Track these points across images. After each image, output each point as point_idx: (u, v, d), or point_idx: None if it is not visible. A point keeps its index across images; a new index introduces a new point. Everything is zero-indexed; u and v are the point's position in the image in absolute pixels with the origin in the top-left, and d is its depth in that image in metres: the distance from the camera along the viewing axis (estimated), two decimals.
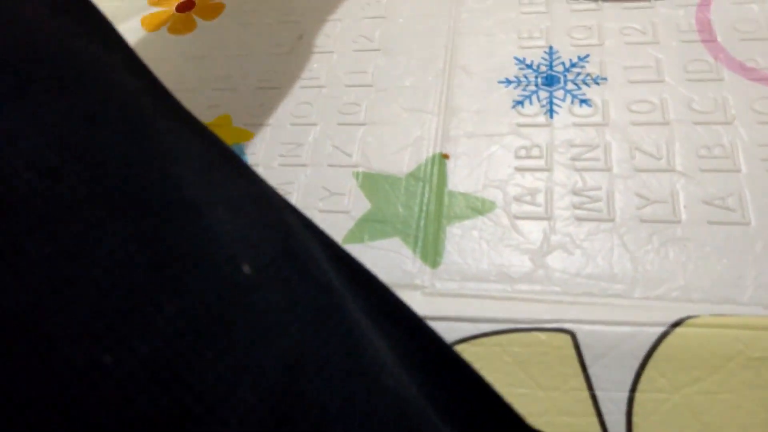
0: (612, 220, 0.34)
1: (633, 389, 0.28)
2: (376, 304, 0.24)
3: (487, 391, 0.25)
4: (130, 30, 0.52)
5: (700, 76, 0.39)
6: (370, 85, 0.43)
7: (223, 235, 0.17)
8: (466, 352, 0.31)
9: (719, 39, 0.40)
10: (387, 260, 0.35)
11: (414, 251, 0.35)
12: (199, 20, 0.51)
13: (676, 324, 0.29)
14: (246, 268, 0.17)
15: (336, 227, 0.37)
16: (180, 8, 0.53)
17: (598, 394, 0.29)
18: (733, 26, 0.41)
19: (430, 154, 0.39)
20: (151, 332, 0.15)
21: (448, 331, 0.31)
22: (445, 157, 0.39)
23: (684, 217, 0.34)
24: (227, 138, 0.43)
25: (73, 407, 0.14)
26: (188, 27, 0.51)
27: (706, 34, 0.41)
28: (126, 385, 0.14)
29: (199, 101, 0.46)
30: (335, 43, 0.47)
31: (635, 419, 0.28)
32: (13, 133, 0.15)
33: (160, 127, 0.18)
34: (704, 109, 0.37)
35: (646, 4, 0.43)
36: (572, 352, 0.30)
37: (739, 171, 0.34)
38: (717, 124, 0.36)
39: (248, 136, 0.43)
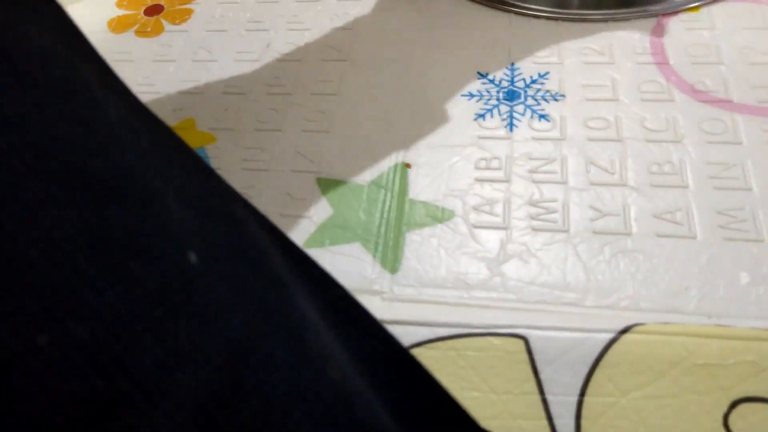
0: (567, 231, 0.35)
1: (582, 393, 0.29)
2: (330, 303, 0.24)
3: (440, 392, 0.25)
4: (97, 32, 0.52)
5: (653, 97, 0.40)
6: (335, 94, 0.44)
7: (172, 224, 0.17)
8: (421, 355, 0.31)
9: (671, 62, 0.42)
10: (347, 265, 0.36)
11: (374, 257, 0.36)
12: (167, 24, 0.51)
13: (624, 331, 0.30)
14: (192, 257, 0.17)
15: (298, 232, 0.37)
16: (148, 12, 0.53)
17: (549, 398, 0.29)
18: (685, 50, 0.43)
19: (393, 163, 0.39)
20: (88, 315, 0.14)
21: (405, 335, 0.32)
22: (408, 166, 0.39)
23: (635, 229, 0.35)
24: (191, 141, 0.43)
25: (4, 387, 0.14)
26: (156, 30, 0.51)
27: (660, 57, 0.42)
28: (60, 366, 0.14)
29: (164, 104, 0.45)
30: (303, 52, 0.47)
31: (584, 423, 0.28)
32: None
33: (111, 116, 0.18)
34: (656, 127, 0.39)
35: (604, 26, 0.45)
36: (525, 356, 0.30)
37: (687, 187, 0.36)
38: (667, 143, 0.38)
39: (211, 139, 0.43)
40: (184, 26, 0.51)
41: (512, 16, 0.48)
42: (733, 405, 0.28)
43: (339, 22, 0.49)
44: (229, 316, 0.17)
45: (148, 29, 0.51)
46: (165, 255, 0.16)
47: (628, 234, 0.35)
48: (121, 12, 0.53)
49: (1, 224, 0.14)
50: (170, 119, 0.44)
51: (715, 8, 0.45)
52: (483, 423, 0.29)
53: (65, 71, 0.18)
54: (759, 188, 0.35)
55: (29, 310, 0.14)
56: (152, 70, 0.48)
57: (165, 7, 0.53)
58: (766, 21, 0.43)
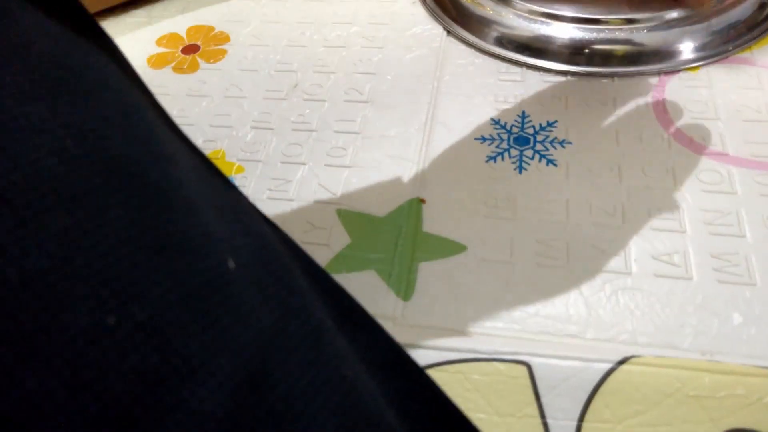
0: (569, 267, 0.37)
1: (581, 419, 0.31)
2: (342, 313, 0.26)
3: (447, 403, 0.27)
4: (137, 66, 0.55)
5: (653, 147, 0.43)
6: (358, 133, 0.47)
7: (213, 233, 0.20)
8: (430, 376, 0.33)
9: (671, 116, 0.45)
10: (362, 291, 0.38)
11: (388, 284, 0.38)
12: (202, 62, 0.55)
13: (622, 362, 0.32)
14: (231, 263, 0.19)
15: (317, 258, 0.39)
16: (185, 51, 0.56)
17: (549, 422, 0.31)
18: (684, 106, 0.46)
19: (409, 198, 0.42)
20: (148, 302, 0.17)
21: (415, 357, 0.34)
22: (422, 201, 0.42)
23: (634, 269, 0.37)
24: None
25: (77, 359, 0.16)
26: (192, 68, 0.54)
27: (660, 110, 0.45)
28: (124, 343, 0.16)
29: (197, 135, 0.49)
30: (327, 92, 0.51)
31: None
32: (40, 125, 0.17)
33: (162, 136, 0.21)
34: (655, 175, 0.41)
35: (610, 82, 0.48)
36: (528, 382, 0.32)
37: (684, 232, 0.38)
38: (666, 190, 0.40)
39: (240, 170, 0.46)
40: (218, 65, 0.55)
41: (525, 69, 0.51)
42: None
43: (362, 68, 0.53)
44: (259, 314, 0.20)
45: (185, 66, 0.55)
46: (209, 258, 0.19)
47: (628, 273, 0.37)
48: (160, 50, 0.57)
49: (78, 221, 0.17)
50: (202, 149, 0.47)
51: (713, 69, 0.48)
52: None
53: (125, 94, 0.21)
54: (752, 235, 0.37)
55: (101, 295, 0.16)
56: (187, 104, 0.52)
57: (201, 47, 0.57)
58: (760, 82, 0.46)
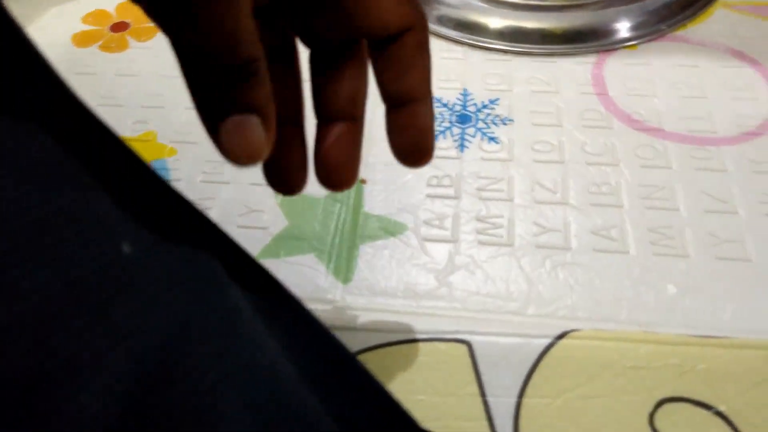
0: (511, 244, 0.37)
1: (521, 395, 0.31)
2: (269, 300, 0.25)
3: (380, 391, 0.26)
4: (60, 45, 0.52)
5: (593, 124, 0.43)
6: None
7: (105, 214, 0.18)
8: (370, 360, 0.32)
9: (611, 93, 0.45)
10: (301, 275, 0.37)
11: (327, 267, 0.37)
12: (132, 41, 0.52)
13: (561, 336, 0.32)
14: (126, 247, 0.17)
15: (253, 242, 0.38)
16: (114, 28, 0.54)
17: (490, 399, 0.31)
18: (622, 84, 0.46)
19: None
20: (21, 294, 0.15)
21: (354, 340, 0.33)
22: (363, 182, 0.41)
23: (574, 244, 0.37)
24: (151, 153, 0.43)
25: None
26: (121, 46, 0.52)
27: (600, 88, 0.46)
28: None
29: (126, 116, 0.46)
30: None
31: (522, 422, 0.30)
32: None
33: (50, 105, 0.19)
34: (595, 152, 0.41)
35: (550, 59, 0.48)
36: (468, 360, 0.32)
37: (622, 207, 0.38)
38: (605, 166, 0.41)
39: (172, 152, 0.44)
40: (149, 44, 0.52)
41: (466, 48, 0.50)
42: (658, 404, 0.30)
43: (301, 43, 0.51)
44: (163, 301, 0.18)
45: (113, 45, 0.52)
46: (98, 242, 0.17)
47: (568, 249, 0.37)
48: (86, 27, 0.54)
49: None
50: (131, 131, 0.45)
51: (650, 46, 0.49)
52: (427, 424, 0.30)
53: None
54: (686, 209, 0.38)
55: None
56: (115, 84, 0.49)
57: (131, 24, 0.54)
58: (695, 59, 0.47)
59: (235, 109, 0.18)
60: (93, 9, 0.55)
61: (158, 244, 0.19)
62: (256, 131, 0.18)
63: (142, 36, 0.53)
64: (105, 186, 0.19)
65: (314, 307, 0.35)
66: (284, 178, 0.23)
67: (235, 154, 0.18)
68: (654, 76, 0.46)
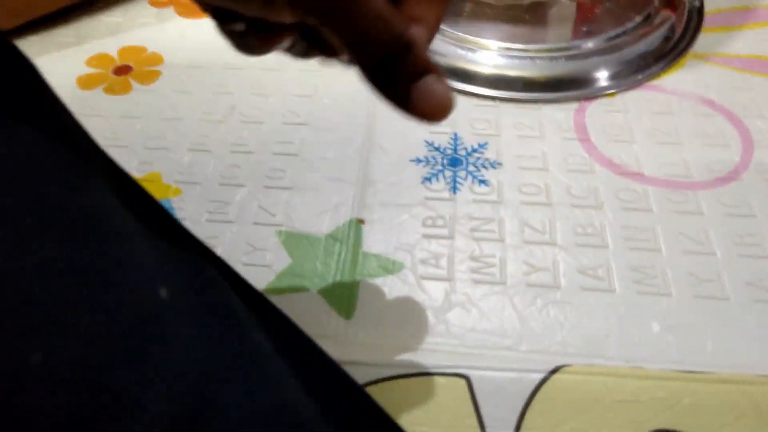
0: (504, 283, 0.39)
1: (518, 427, 0.32)
2: (284, 338, 0.26)
3: (390, 423, 0.28)
4: (65, 86, 0.54)
5: (577, 168, 0.46)
6: (296, 155, 0.48)
7: (144, 262, 0.19)
8: (372, 393, 0.34)
9: (592, 139, 0.48)
10: (304, 311, 0.38)
11: (329, 304, 0.38)
12: (135, 84, 0.54)
13: (554, 371, 0.34)
14: (163, 292, 0.19)
15: (257, 279, 0.40)
16: (117, 72, 0.55)
17: None
18: (603, 130, 0.49)
19: (348, 219, 0.43)
20: (72, 336, 0.16)
21: (356, 375, 0.34)
22: (361, 222, 0.43)
23: (563, 283, 0.39)
24: (156, 193, 0.45)
25: (3, 400, 0.15)
26: (124, 89, 0.54)
27: (582, 134, 0.49)
28: (51, 381, 0.16)
29: (131, 158, 0.48)
30: (265, 115, 0.51)
31: None
32: None
33: (83, 159, 0.21)
34: (580, 194, 0.44)
35: (534, 106, 0.51)
36: (467, 394, 0.33)
37: (607, 247, 0.41)
38: (590, 208, 0.43)
39: (177, 192, 0.45)
40: (151, 87, 0.54)
41: (455, 95, 0.53)
42: None
43: (299, 90, 0.53)
44: (194, 344, 0.19)
45: (117, 87, 0.54)
46: (139, 288, 0.18)
47: (558, 287, 0.39)
48: (90, 70, 0.56)
49: None
50: (136, 172, 0.47)
51: (627, 95, 0.52)
52: None
53: (52, 119, 0.21)
54: (666, 249, 0.40)
55: (24, 331, 0.16)
56: (119, 126, 0.51)
57: (134, 68, 0.56)
58: (670, 107, 0.50)
59: (414, 76, 0.20)
60: (96, 53, 0.57)
61: (185, 288, 0.21)
62: (439, 86, 0.20)
63: (144, 79, 0.55)
64: (139, 230, 0.21)
65: (317, 342, 0.37)
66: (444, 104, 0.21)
67: (432, 113, 0.20)
68: (632, 123, 0.49)
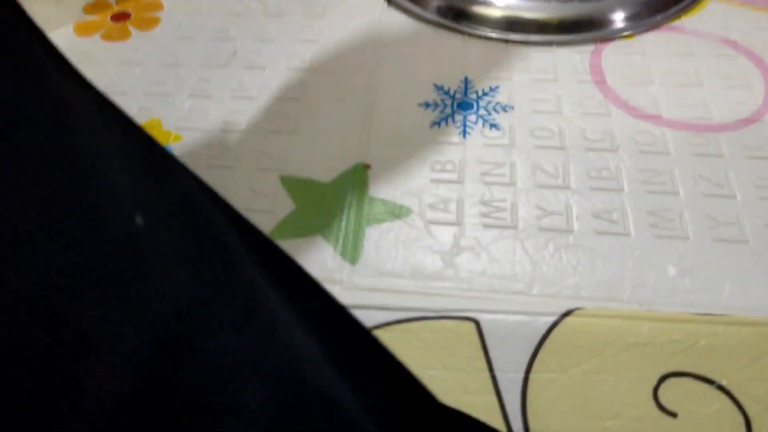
0: (515, 227, 0.38)
1: (528, 370, 0.31)
2: (280, 273, 0.25)
3: (396, 365, 0.27)
4: (63, 35, 0.52)
5: (592, 111, 0.44)
6: (299, 99, 0.46)
7: (117, 188, 0.18)
8: (379, 337, 0.33)
9: (608, 81, 0.46)
10: (308, 256, 0.37)
11: (335, 249, 0.37)
12: (134, 30, 0.53)
13: (566, 314, 0.33)
14: (139, 220, 0.17)
15: (260, 226, 0.39)
16: (115, 18, 0.54)
17: (498, 374, 0.31)
18: (620, 72, 0.47)
19: (353, 164, 0.42)
20: (30, 271, 0.15)
21: (363, 319, 0.33)
22: (367, 166, 0.42)
23: (576, 227, 0.38)
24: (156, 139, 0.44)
25: None
26: (123, 36, 0.52)
27: (598, 76, 0.47)
28: (1, 319, 0.14)
29: (130, 104, 0.46)
30: (268, 60, 0.49)
31: (529, 397, 0.31)
32: None
33: (54, 76, 0.19)
34: (595, 138, 0.42)
35: (548, 48, 0.49)
36: (476, 337, 0.33)
37: (622, 190, 0.39)
38: (605, 151, 0.41)
39: (177, 138, 0.44)
40: (151, 33, 0.52)
41: (465, 37, 0.51)
42: (662, 379, 0.31)
43: (303, 36, 0.51)
44: (177, 275, 0.18)
45: (115, 34, 0.52)
46: (112, 218, 0.17)
47: (570, 231, 0.38)
48: (87, 17, 0.54)
49: None
50: (136, 117, 0.45)
51: (645, 37, 0.50)
52: (437, 397, 0.31)
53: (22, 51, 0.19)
54: (684, 192, 0.39)
55: None
56: (118, 72, 0.49)
57: (132, 14, 0.54)
58: (689, 48, 0.48)
59: None
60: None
61: (168, 214, 0.19)
62: None
63: (143, 26, 0.53)
64: (112, 154, 0.19)
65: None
66: None
67: None
68: (650, 65, 0.47)
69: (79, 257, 0.16)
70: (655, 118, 0.43)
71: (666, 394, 0.30)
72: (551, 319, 0.33)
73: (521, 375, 0.31)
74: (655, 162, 0.41)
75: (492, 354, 0.32)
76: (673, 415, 0.30)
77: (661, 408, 0.30)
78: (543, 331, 0.33)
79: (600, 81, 0.46)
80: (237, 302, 0.20)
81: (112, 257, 0.16)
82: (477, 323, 0.33)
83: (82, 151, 0.18)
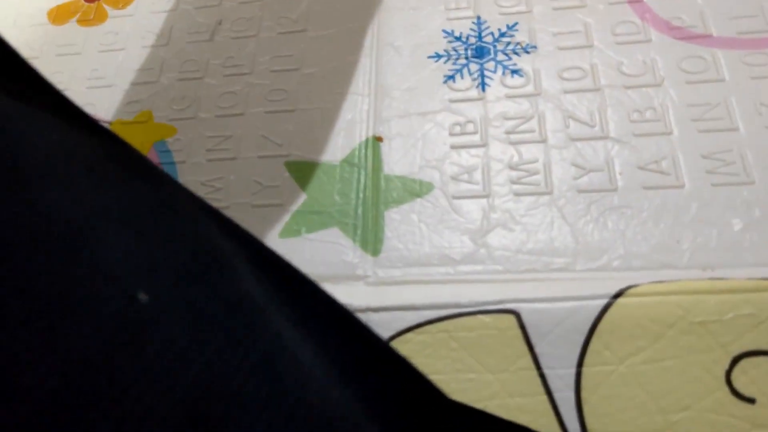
0: (550, 192, 0.34)
1: (580, 364, 0.28)
2: (304, 307, 0.22)
3: (412, 373, 0.24)
4: (38, 25, 0.48)
5: (628, 39, 0.38)
6: (296, 69, 0.41)
7: (113, 262, 0.15)
8: (412, 341, 0.30)
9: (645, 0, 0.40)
10: (326, 252, 0.34)
11: (354, 240, 0.34)
12: (110, 9, 0.48)
13: (618, 295, 0.29)
14: (142, 297, 0.15)
15: (271, 221, 0.36)
16: None
17: (546, 372, 0.28)
18: None
19: (364, 138, 0.38)
20: (19, 398, 0.13)
21: (392, 322, 0.31)
22: (379, 139, 0.37)
23: (620, 184, 0.33)
24: (150, 135, 0.40)
25: None
26: (99, 18, 0.48)
27: None
28: None
29: (118, 97, 0.43)
30: (257, 25, 0.44)
31: (584, 394, 0.28)
32: None
33: (18, 124, 0.16)
34: (634, 72, 0.37)
35: None
36: (518, 332, 0.29)
37: (671, 133, 0.34)
38: (647, 87, 0.36)
39: (172, 131, 0.40)
40: (127, 10, 0.48)
41: None
42: (735, 361, 0.27)
43: None
44: (188, 359, 0.15)
45: (91, 17, 0.48)
46: (105, 303, 0.14)
47: (614, 189, 0.33)
48: (59, 1, 0.49)
49: None
50: (126, 114, 0.42)
51: None
52: (481, 404, 0.28)
53: None
54: (745, 127, 0.34)
55: None
56: (101, 61, 0.45)
57: None
58: None
59: None
60: None
61: (176, 276, 0.16)
62: None
63: (118, 3, 0.48)
64: (107, 215, 0.16)
65: (345, 285, 0.33)
66: None
67: None
68: None
69: (70, 367, 0.14)
70: (704, 38, 0.37)
71: (741, 378, 0.27)
72: (601, 303, 0.29)
73: (573, 370, 0.28)
74: (708, 93, 0.35)
75: (538, 349, 0.29)
76: (751, 401, 0.26)
77: (737, 394, 0.27)
78: (593, 317, 0.29)
79: (635, 0, 0.40)
80: (260, 373, 0.17)
81: (109, 356, 0.14)
82: (518, 316, 0.30)
83: (63, 223, 0.15)
